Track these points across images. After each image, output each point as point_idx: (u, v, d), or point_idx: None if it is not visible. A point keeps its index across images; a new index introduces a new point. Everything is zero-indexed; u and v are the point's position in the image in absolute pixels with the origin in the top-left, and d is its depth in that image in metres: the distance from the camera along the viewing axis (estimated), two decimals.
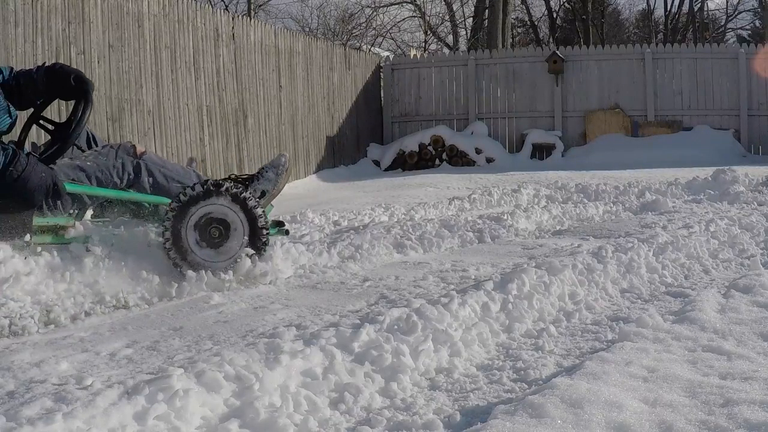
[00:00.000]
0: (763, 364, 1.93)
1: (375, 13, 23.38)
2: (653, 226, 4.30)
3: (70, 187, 3.41)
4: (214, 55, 9.10)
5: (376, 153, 13.09)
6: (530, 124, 13.81)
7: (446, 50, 23.74)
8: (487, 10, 20.55)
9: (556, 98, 13.71)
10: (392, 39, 24.38)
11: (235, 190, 3.43)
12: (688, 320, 2.33)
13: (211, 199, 3.41)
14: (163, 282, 3.24)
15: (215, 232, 3.42)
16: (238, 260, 3.39)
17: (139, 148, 3.69)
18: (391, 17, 24.53)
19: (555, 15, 27.36)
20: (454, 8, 24.76)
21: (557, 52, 13.84)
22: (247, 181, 3.76)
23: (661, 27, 27.63)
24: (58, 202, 3.36)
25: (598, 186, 7.08)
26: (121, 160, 3.63)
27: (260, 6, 22.49)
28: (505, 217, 4.93)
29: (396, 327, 2.21)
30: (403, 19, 24.58)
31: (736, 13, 29.74)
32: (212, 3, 19.03)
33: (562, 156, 13.23)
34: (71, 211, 3.51)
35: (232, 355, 1.91)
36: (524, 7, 26.99)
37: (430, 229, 4.50)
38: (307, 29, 23.50)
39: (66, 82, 3.51)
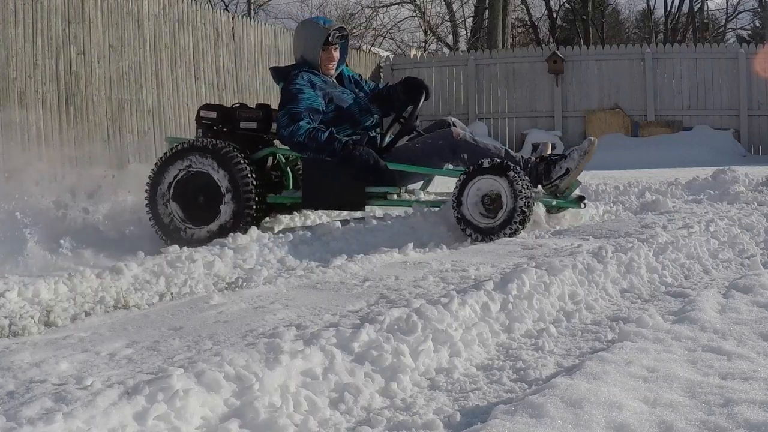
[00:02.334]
0: (763, 364, 1.93)
1: (375, 13, 23.41)
2: (653, 226, 4.30)
3: (390, 165, 4.62)
4: (214, 55, 9.10)
5: None
6: (530, 124, 13.83)
7: (446, 50, 23.75)
8: (487, 10, 20.56)
9: (556, 98, 13.72)
10: (392, 39, 24.41)
11: (507, 168, 4.27)
12: (688, 320, 2.33)
13: (487, 175, 4.31)
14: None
15: (487, 201, 4.35)
16: (502, 225, 4.27)
17: (456, 132, 4.67)
18: (391, 17, 24.56)
19: (555, 15, 27.37)
20: (454, 8, 24.80)
21: (557, 52, 13.85)
22: (558, 160, 4.61)
23: (661, 27, 27.63)
24: (382, 176, 4.59)
25: (598, 186, 7.07)
26: (441, 141, 4.65)
27: (260, 6, 22.50)
28: None
29: (396, 327, 2.21)
30: (403, 19, 24.62)
31: (736, 13, 29.76)
32: (212, 3, 19.03)
33: None
34: (399, 183, 4.75)
35: (232, 355, 1.91)
36: (524, 7, 27.01)
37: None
38: None
39: (413, 89, 4.88)
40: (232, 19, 9.78)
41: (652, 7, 29.35)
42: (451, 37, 25.46)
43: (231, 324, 2.62)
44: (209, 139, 4.71)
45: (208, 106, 5.04)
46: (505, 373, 2.06)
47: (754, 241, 4.00)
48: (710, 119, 13.35)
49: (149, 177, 4.70)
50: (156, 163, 4.74)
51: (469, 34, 23.93)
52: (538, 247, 3.90)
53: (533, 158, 4.72)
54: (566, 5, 27.11)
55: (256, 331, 2.49)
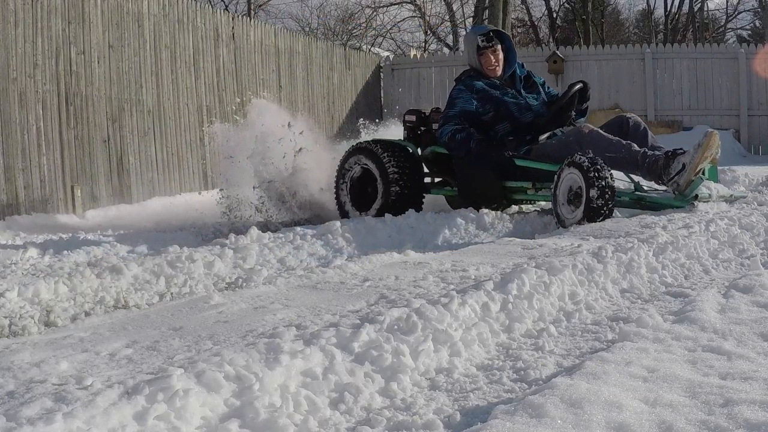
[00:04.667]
0: (763, 364, 1.93)
1: (375, 13, 23.42)
2: (653, 226, 4.29)
3: (519, 162, 5.13)
4: (214, 55, 9.10)
5: None
6: None
7: (446, 50, 23.74)
8: (487, 10, 20.54)
9: None
10: (392, 39, 24.41)
11: (586, 164, 4.46)
12: (688, 320, 2.33)
13: (573, 170, 4.55)
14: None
15: (571, 194, 4.63)
16: (583, 217, 4.48)
17: (585, 128, 5.00)
18: (391, 17, 24.59)
19: (555, 15, 27.35)
20: (454, 8, 24.79)
21: (557, 52, 13.84)
22: (678, 155, 4.66)
23: (661, 27, 27.62)
24: (515, 173, 5.11)
25: None
26: (572, 138, 4.99)
27: (260, 6, 22.51)
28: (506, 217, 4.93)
29: (396, 327, 2.21)
30: (403, 19, 24.63)
31: (736, 13, 29.79)
32: (212, 3, 19.04)
33: None
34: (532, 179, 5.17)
35: (232, 355, 1.91)
36: (524, 7, 26.99)
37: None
38: (307, 29, 23.51)
39: (572, 88, 5.40)
40: (232, 19, 9.77)
41: (652, 7, 29.36)
42: (451, 37, 25.46)
43: (231, 324, 2.62)
44: (371, 141, 5.75)
45: (410, 112, 5.95)
46: (505, 373, 2.06)
47: (754, 241, 3.99)
48: (710, 119, 13.34)
49: (337, 168, 5.75)
50: (342, 159, 5.76)
51: None
52: (538, 247, 3.90)
53: (656, 153, 4.76)
54: (566, 5, 27.10)
55: (256, 331, 2.49)
